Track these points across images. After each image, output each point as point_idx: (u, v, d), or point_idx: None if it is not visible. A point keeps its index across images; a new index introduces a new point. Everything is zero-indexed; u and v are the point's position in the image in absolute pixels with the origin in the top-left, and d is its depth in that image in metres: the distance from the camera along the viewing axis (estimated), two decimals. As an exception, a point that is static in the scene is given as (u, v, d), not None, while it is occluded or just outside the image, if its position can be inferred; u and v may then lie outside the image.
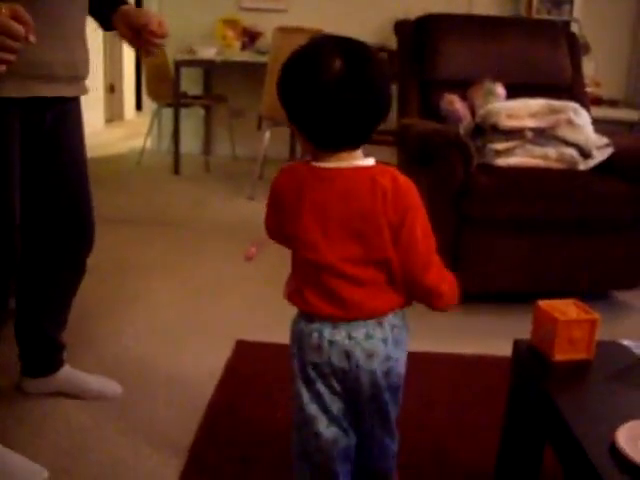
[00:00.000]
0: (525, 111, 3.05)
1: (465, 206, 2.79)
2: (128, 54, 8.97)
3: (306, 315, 1.36)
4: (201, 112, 6.24)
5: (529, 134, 3.03)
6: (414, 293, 1.37)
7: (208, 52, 5.52)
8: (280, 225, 1.37)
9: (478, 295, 2.96)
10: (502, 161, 3.01)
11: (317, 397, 1.37)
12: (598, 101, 5.51)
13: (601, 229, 2.95)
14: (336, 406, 1.38)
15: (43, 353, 2.08)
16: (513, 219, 2.85)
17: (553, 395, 1.34)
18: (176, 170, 5.53)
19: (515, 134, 3.03)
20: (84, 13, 1.80)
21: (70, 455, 1.81)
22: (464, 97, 3.37)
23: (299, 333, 1.36)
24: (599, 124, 3.25)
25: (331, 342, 1.31)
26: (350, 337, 1.31)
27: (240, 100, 6.12)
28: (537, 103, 3.08)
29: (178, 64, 5.35)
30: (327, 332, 1.32)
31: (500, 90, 3.31)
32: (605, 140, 3.13)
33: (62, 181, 1.87)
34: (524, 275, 2.93)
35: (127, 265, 3.35)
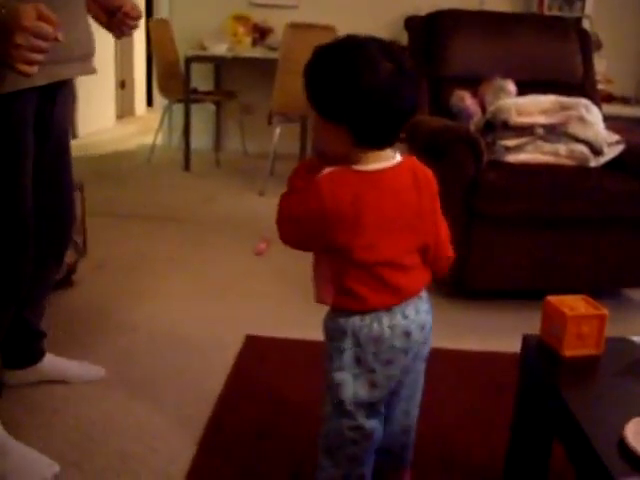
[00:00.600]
0: (536, 108, 3.04)
1: (475, 202, 2.79)
2: (139, 50, 9.00)
3: (356, 312, 1.37)
4: (212, 108, 6.25)
5: (540, 131, 3.02)
6: (438, 264, 1.47)
7: (219, 48, 5.54)
8: (321, 236, 1.32)
9: (487, 291, 2.96)
10: (512, 157, 3.00)
11: (372, 387, 1.39)
12: (610, 98, 5.50)
13: (611, 226, 2.93)
14: (383, 394, 1.42)
15: (26, 344, 2.08)
16: (523, 216, 2.85)
17: (562, 390, 1.34)
18: (187, 166, 5.54)
19: (526, 131, 3.02)
20: None
21: (80, 449, 1.82)
22: (475, 94, 3.37)
23: (353, 327, 1.36)
24: (610, 121, 3.24)
25: (391, 327, 1.36)
26: (405, 316, 1.37)
27: (250, 96, 6.14)
28: (548, 100, 3.07)
29: (189, 60, 5.36)
30: (385, 319, 1.36)
31: (511, 87, 3.30)
32: (616, 137, 3.11)
33: (51, 169, 1.85)
34: (534, 272, 2.93)
35: (137, 260, 3.36)
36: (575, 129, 3.02)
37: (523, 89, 3.28)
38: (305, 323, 2.17)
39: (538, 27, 3.81)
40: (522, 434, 1.60)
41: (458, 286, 2.93)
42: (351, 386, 1.39)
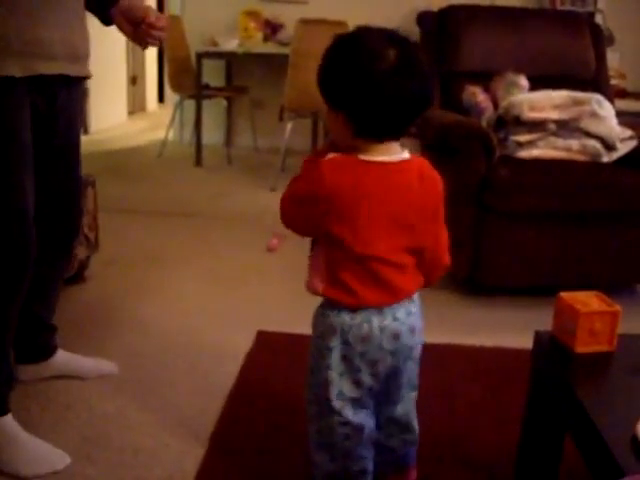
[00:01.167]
0: (548, 103, 3.03)
1: (486, 198, 2.78)
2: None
3: (346, 307, 1.36)
4: (223, 103, 6.25)
5: (552, 126, 3.01)
6: (433, 272, 1.44)
7: (230, 44, 5.54)
8: (320, 222, 1.32)
9: (499, 288, 2.95)
10: (524, 153, 3.00)
11: (357, 385, 1.39)
12: (623, 93, 5.46)
13: (624, 222, 2.92)
14: (370, 391, 1.41)
15: (37, 338, 2.10)
16: (535, 211, 2.84)
17: (574, 386, 1.34)
18: (198, 161, 5.55)
19: (538, 126, 3.01)
20: None
21: (92, 442, 1.83)
22: (486, 89, 3.36)
23: (343, 325, 1.36)
24: (624, 116, 3.22)
25: (381, 328, 1.35)
26: (395, 318, 1.36)
27: (262, 92, 6.14)
28: (560, 95, 3.06)
29: (200, 56, 5.37)
30: (376, 320, 1.35)
31: (523, 82, 3.29)
32: (629, 132, 3.10)
33: (59, 165, 1.88)
34: (546, 268, 2.91)
35: (149, 255, 3.37)
36: (588, 124, 3.01)
37: (535, 84, 3.27)
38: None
39: (550, 22, 3.80)
40: (534, 430, 1.59)
41: (470, 282, 2.92)
42: (337, 384, 1.39)
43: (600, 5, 5.75)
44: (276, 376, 2.22)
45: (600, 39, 3.82)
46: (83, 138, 2.00)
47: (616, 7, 5.77)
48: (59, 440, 1.80)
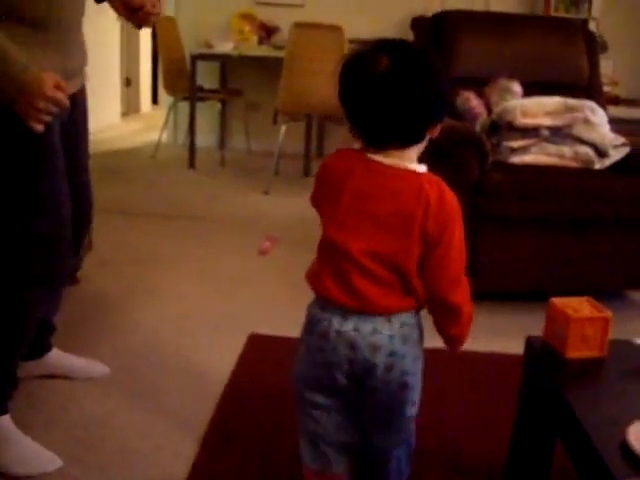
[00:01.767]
0: (541, 109, 3.04)
1: (480, 203, 2.79)
2: (144, 48, 9.00)
3: (321, 301, 1.37)
4: (217, 106, 6.25)
5: (545, 132, 3.02)
6: (437, 311, 1.39)
7: (225, 46, 5.53)
8: (318, 200, 1.40)
9: (492, 293, 2.95)
10: (517, 159, 3.01)
11: (319, 381, 1.39)
12: (616, 100, 5.49)
13: (615, 228, 2.93)
14: (336, 398, 1.40)
15: (37, 336, 2.10)
16: (528, 217, 2.85)
17: (565, 392, 1.35)
18: (191, 164, 5.55)
19: (531, 132, 3.02)
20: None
21: (84, 445, 1.83)
22: (480, 94, 3.37)
23: (311, 317, 1.38)
24: (616, 123, 3.23)
25: (338, 332, 1.33)
26: (356, 329, 1.32)
27: (256, 94, 6.14)
28: (553, 101, 3.07)
29: (194, 58, 5.36)
30: (336, 322, 1.33)
31: (516, 88, 3.30)
32: (621, 139, 3.11)
33: (72, 169, 1.89)
34: (539, 273, 2.93)
35: (142, 258, 3.37)
36: (580, 131, 3.02)
37: (529, 90, 3.28)
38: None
39: (544, 28, 3.81)
40: (525, 435, 1.60)
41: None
42: (305, 373, 1.41)
43: (594, 12, 5.77)
44: (268, 379, 2.22)
45: (593, 46, 3.83)
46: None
47: (609, 14, 5.80)
48: (50, 441, 1.80)
